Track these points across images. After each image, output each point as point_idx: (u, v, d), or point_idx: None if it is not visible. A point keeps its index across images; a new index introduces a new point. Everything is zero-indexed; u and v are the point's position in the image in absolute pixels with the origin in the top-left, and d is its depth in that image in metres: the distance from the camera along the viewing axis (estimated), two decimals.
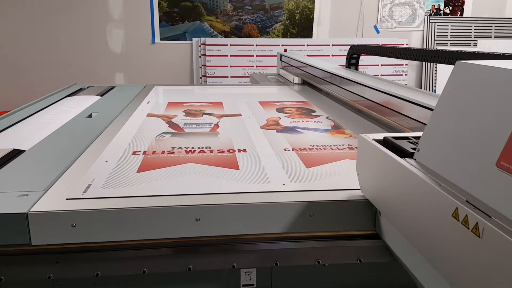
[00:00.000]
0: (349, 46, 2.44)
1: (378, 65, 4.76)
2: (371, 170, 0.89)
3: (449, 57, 1.32)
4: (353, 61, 2.43)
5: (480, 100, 0.65)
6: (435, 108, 0.75)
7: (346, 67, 2.45)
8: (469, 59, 0.74)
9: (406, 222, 0.75)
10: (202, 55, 4.70)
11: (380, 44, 4.67)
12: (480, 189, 0.59)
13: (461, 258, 0.59)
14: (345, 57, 2.48)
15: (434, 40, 4.88)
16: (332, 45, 4.77)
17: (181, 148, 1.32)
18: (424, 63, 4.87)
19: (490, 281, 0.54)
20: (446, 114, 0.72)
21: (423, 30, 4.95)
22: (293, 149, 1.32)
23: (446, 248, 0.63)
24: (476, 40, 4.85)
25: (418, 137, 0.81)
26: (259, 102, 2.12)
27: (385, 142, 0.87)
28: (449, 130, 0.70)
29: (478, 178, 0.60)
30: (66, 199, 0.94)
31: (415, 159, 0.77)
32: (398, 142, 0.85)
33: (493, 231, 0.53)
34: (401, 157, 0.78)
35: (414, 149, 0.79)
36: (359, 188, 0.99)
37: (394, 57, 1.81)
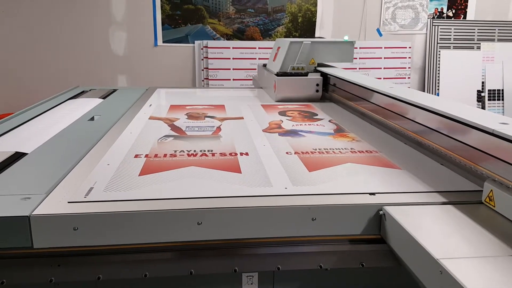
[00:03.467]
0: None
1: (381, 68, 4.75)
2: (258, 74, 2.93)
3: None
4: None
5: (274, 48, 2.64)
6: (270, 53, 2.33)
7: None
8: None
9: (262, 81, 2.81)
10: (204, 57, 4.71)
11: (383, 48, 4.68)
12: (270, 67, 2.55)
13: (267, 85, 2.55)
14: None
15: (437, 43, 4.87)
16: None
17: (183, 151, 1.32)
18: (427, 66, 4.87)
19: (266, 84, 2.50)
20: (271, 53, 2.71)
21: (426, 33, 4.95)
22: (295, 153, 1.32)
23: (264, 82, 2.63)
24: (480, 43, 4.84)
25: None
26: (261, 105, 2.12)
27: (263, 65, 2.79)
28: (269, 58, 2.73)
29: (270, 65, 2.62)
30: (68, 202, 0.94)
31: (265, 66, 2.73)
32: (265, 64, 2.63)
33: (268, 74, 2.54)
34: (263, 66, 2.80)
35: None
36: (362, 192, 0.99)
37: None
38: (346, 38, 2.59)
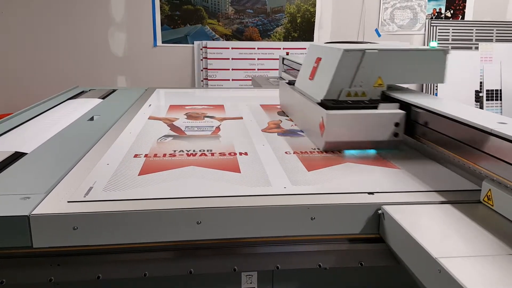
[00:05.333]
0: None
1: None
2: (282, 94, 1.99)
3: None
4: None
5: (308, 58, 1.71)
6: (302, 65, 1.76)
7: None
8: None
9: (287, 105, 1.85)
10: (203, 58, 4.71)
11: None
12: (303, 87, 1.59)
13: (295, 109, 1.72)
14: None
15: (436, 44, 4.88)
16: None
17: (183, 151, 1.32)
18: None
19: (299, 114, 1.65)
20: (303, 66, 1.74)
21: (424, 34, 4.96)
22: (294, 152, 1.32)
23: (293, 106, 1.77)
24: (478, 44, 4.85)
25: None
26: (260, 105, 2.12)
27: (288, 82, 1.91)
28: (301, 72, 1.76)
29: (306, 85, 1.58)
30: (68, 201, 0.94)
31: (294, 85, 1.79)
32: (292, 81, 1.87)
33: (300, 97, 1.64)
34: (289, 85, 1.85)
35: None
36: (360, 191, 0.99)
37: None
38: (433, 43, 1.65)
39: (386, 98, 1.40)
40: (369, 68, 1.37)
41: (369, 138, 1.31)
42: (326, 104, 1.33)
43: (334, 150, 1.33)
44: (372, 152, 1.33)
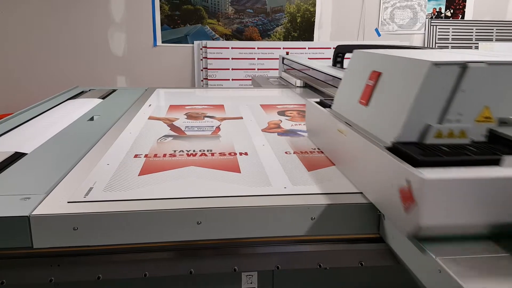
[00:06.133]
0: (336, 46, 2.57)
1: None
2: (311, 117, 1.45)
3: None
4: (339, 59, 2.63)
5: (354, 70, 1.21)
6: (342, 79, 1.28)
7: (332, 65, 2.54)
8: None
9: (320, 135, 1.35)
10: (203, 58, 4.71)
11: None
12: (350, 114, 1.12)
13: (338, 149, 1.17)
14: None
15: (436, 43, 4.88)
16: (333, 48, 4.77)
17: (183, 151, 1.32)
18: None
19: (352, 163, 1.07)
20: (346, 81, 1.25)
21: (424, 33, 4.96)
22: (294, 152, 1.32)
23: (334, 143, 1.20)
24: (477, 43, 4.85)
25: None
26: (260, 105, 2.12)
27: (319, 102, 1.42)
28: (344, 90, 1.24)
29: (355, 111, 1.09)
30: (68, 202, 0.94)
31: (331, 109, 1.28)
32: (325, 101, 1.39)
33: (349, 131, 1.06)
34: (324, 107, 1.33)
35: (331, 103, 1.31)
36: (360, 191, 0.99)
37: None
38: None
39: (495, 140, 0.85)
40: (473, 92, 0.84)
41: (493, 219, 0.75)
42: (411, 153, 0.78)
43: (431, 237, 0.76)
44: None
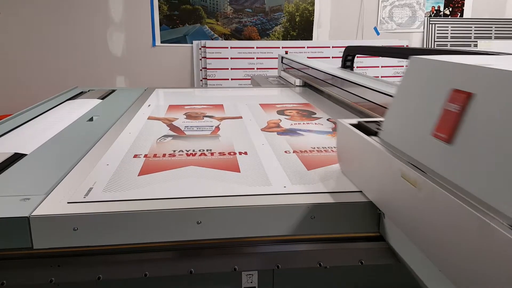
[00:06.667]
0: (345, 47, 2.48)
1: (378, 66, 4.76)
2: (347, 147, 1.08)
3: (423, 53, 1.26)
4: (348, 63, 2.47)
5: (416, 85, 0.83)
6: (394, 96, 0.91)
7: (341, 67, 2.48)
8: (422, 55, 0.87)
9: (366, 177, 0.97)
10: (202, 57, 4.71)
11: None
12: (419, 152, 0.76)
13: (404, 207, 0.78)
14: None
15: (434, 41, 4.88)
16: (332, 47, 4.78)
17: (182, 151, 1.32)
18: None
19: (423, 223, 0.71)
20: (400, 97, 0.88)
21: (423, 32, 4.96)
22: (294, 151, 1.32)
23: (395, 197, 0.82)
24: (476, 41, 4.85)
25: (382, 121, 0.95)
26: (259, 104, 2.12)
27: (358, 125, 1.04)
28: (401, 113, 0.86)
29: (419, 145, 0.76)
30: (68, 202, 0.94)
31: (378, 136, 0.94)
32: (367, 124, 1.02)
33: (426, 183, 0.68)
34: (367, 135, 0.96)
35: (379, 129, 0.96)
36: (360, 190, 0.99)
37: (388, 57, 1.82)
38: None
39: None
40: None
41: None
42: None
43: None
44: None
